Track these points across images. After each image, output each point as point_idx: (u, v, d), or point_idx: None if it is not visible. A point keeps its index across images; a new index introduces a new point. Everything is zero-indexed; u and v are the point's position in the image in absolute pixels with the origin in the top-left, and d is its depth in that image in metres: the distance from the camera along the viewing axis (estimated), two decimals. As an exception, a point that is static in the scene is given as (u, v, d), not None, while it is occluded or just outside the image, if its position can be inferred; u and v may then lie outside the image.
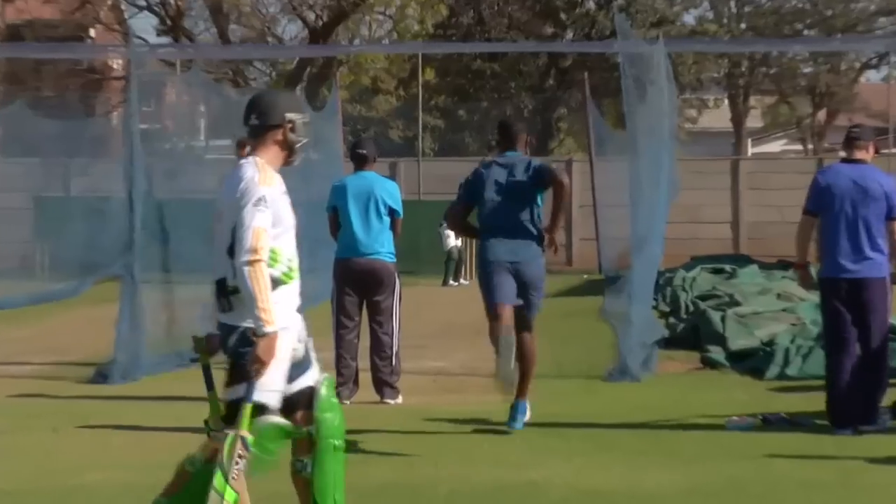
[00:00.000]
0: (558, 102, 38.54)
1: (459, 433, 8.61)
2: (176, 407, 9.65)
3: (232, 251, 5.20)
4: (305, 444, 5.38)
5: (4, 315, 16.80)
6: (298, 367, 5.36)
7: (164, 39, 35.63)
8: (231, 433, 5.16)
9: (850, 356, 8.42)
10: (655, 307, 14.99)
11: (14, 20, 33.30)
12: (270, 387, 5.22)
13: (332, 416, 5.36)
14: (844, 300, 8.43)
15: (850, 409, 8.36)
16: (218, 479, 5.11)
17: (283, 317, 5.22)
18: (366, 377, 9.83)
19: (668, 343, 12.72)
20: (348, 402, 9.41)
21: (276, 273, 5.24)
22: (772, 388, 10.41)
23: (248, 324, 5.16)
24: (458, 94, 38.80)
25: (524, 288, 8.35)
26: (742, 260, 20.96)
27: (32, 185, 24.13)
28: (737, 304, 13.98)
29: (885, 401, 8.60)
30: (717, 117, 48.17)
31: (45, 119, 23.26)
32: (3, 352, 12.95)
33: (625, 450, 8.00)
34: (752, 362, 11.39)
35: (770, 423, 8.73)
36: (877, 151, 8.77)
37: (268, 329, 5.09)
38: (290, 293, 5.34)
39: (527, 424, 8.58)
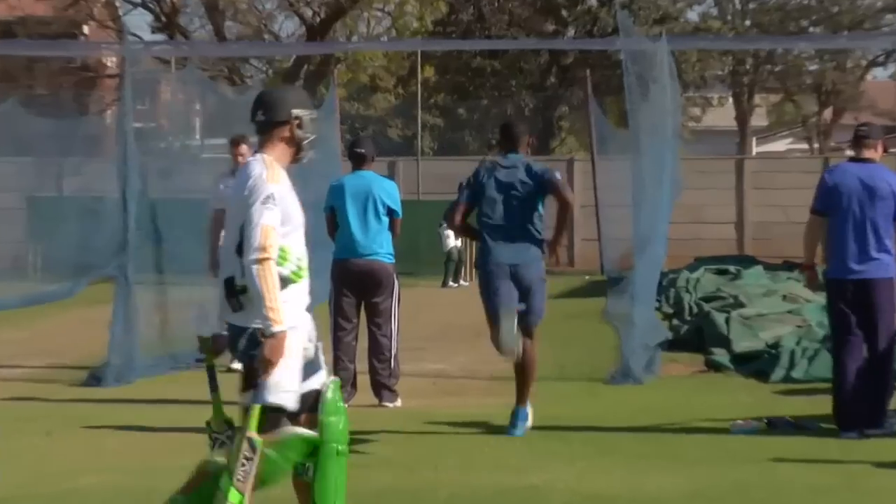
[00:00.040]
0: (560, 101, 38.54)
1: (459, 437, 8.62)
2: (171, 410, 9.67)
3: (240, 250, 5.20)
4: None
5: (-4, 317, 16.79)
6: (307, 369, 5.37)
7: (159, 36, 35.63)
8: (239, 436, 5.15)
9: (857, 358, 8.43)
10: (658, 309, 14.98)
11: (6, 17, 33.27)
12: (284, 387, 5.22)
13: (336, 420, 5.36)
14: (851, 301, 8.44)
15: (856, 412, 8.37)
16: (224, 481, 5.11)
17: (293, 316, 5.22)
18: (364, 380, 9.84)
19: (672, 345, 12.72)
20: (346, 406, 9.41)
21: (285, 272, 5.24)
22: (777, 391, 10.42)
23: (257, 324, 5.15)
24: (457, 92, 38.80)
25: (524, 291, 8.42)
26: (746, 261, 20.93)
27: (25, 185, 24.12)
28: (741, 305, 13.97)
29: (893, 404, 8.61)
30: (721, 116, 48.17)
31: (38, 118, 23.23)
32: (-4, 354, 12.96)
33: (627, 453, 8.01)
34: (756, 365, 11.40)
35: (775, 426, 8.74)
36: (885, 150, 8.77)
37: (276, 328, 5.10)
38: (300, 292, 5.34)
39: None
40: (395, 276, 9.85)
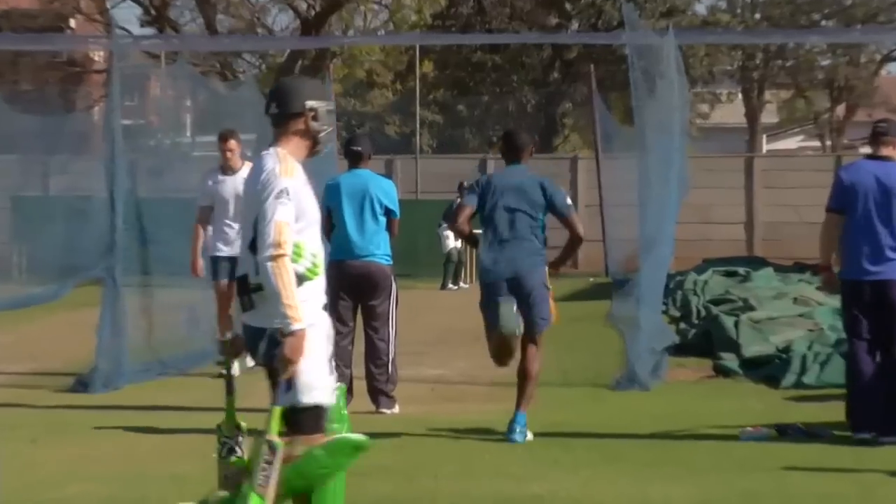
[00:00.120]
0: (563, 97, 38.56)
1: (459, 444, 8.62)
2: (160, 416, 9.68)
3: (254, 247, 5.21)
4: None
5: (-20, 320, 16.80)
6: None
7: (148, 30, 35.67)
8: (259, 439, 5.15)
9: (872, 361, 8.46)
10: (665, 312, 15.00)
11: (-10, 10, 33.33)
12: (317, 384, 5.23)
13: (339, 428, 5.38)
14: (866, 303, 8.46)
15: (870, 412, 8.38)
16: (245, 486, 5.12)
17: (311, 314, 5.22)
18: (360, 385, 9.84)
19: (679, 350, 12.73)
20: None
21: (301, 269, 5.23)
22: (788, 397, 10.43)
23: (277, 324, 5.14)
24: (457, 88, 38.82)
25: (525, 297, 8.55)
26: (756, 262, 20.96)
27: (9, 184, 24.10)
28: (751, 308, 13.99)
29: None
30: (731, 112, 48.22)
31: (23, 114, 23.21)
32: (-21, 359, 12.96)
33: (633, 461, 8.02)
34: (767, 370, 11.41)
35: (786, 433, 8.74)
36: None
37: (295, 326, 5.09)
38: (316, 290, 5.34)
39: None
40: (392, 278, 9.86)
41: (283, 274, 5.10)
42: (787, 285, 16.66)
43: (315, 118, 5.40)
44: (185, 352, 12.60)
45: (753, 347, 11.97)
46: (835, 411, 8.91)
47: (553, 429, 8.90)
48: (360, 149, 10.00)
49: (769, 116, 50.55)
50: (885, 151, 8.62)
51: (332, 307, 9.76)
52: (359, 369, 9.90)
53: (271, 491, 5.12)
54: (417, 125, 30.09)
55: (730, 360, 11.85)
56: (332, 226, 9.82)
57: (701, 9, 42.38)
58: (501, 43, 35.99)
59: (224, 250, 11.71)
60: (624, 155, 20.30)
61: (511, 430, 8.56)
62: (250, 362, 11.88)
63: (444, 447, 8.54)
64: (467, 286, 23.00)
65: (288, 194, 5.20)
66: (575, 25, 37.78)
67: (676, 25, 24.93)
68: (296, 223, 5.22)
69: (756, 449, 8.35)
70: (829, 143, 47.26)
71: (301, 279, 5.22)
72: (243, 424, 5.38)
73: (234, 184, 11.72)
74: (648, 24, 28.12)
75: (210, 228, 11.81)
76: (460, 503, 6.97)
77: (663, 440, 8.73)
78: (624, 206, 18.66)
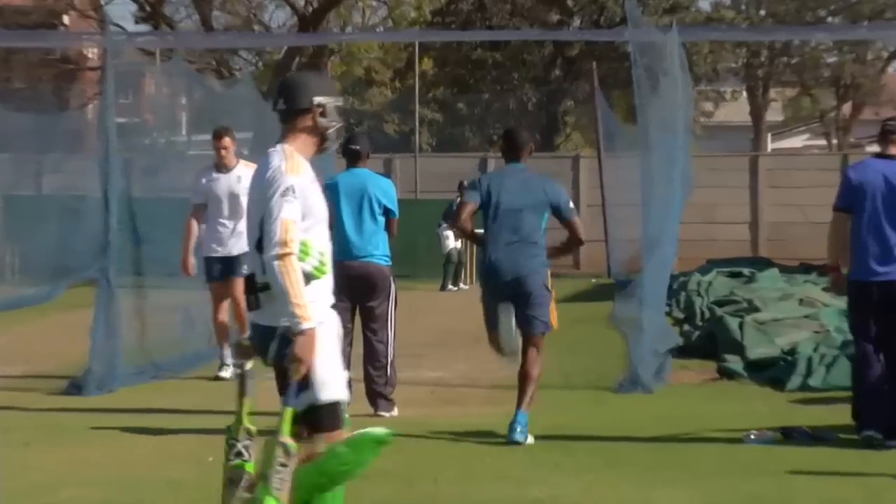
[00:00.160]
0: (564, 94, 38.56)
1: (459, 447, 8.63)
2: (154, 420, 9.67)
3: (261, 246, 5.21)
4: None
5: (-28, 322, 16.80)
6: None
7: (143, 27, 35.69)
8: (272, 440, 5.15)
9: (878, 363, 8.47)
10: (669, 313, 15.00)
11: (-18, 6, 33.32)
12: (333, 381, 5.25)
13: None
14: (874, 304, 8.47)
15: (877, 412, 8.39)
16: (260, 489, 5.12)
17: (319, 313, 5.23)
18: (359, 388, 9.83)
19: (682, 352, 12.73)
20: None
21: (307, 267, 5.23)
22: (793, 400, 10.43)
23: (284, 322, 5.15)
24: (457, 86, 38.81)
25: (525, 298, 8.62)
26: (761, 263, 20.97)
27: (2, 183, 24.09)
28: (756, 310, 13.99)
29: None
30: (735, 110, 48.23)
31: (16, 112, 23.25)
32: (-29, 361, 12.96)
33: (635, 465, 8.02)
34: (772, 372, 11.41)
35: (791, 437, 8.75)
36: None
37: (305, 325, 5.09)
38: (324, 288, 5.35)
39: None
40: (391, 279, 9.86)
41: (290, 273, 5.10)
42: (793, 286, 16.67)
43: (323, 114, 5.40)
44: (180, 354, 12.61)
45: (758, 349, 11.98)
46: (841, 414, 8.91)
47: (554, 432, 8.90)
48: (358, 147, 10.00)
49: (774, 115, 50.55)
50: (894, 150, 8.62)
51: (330, 308, 9.82)
52: (357, 372, 9.88)
53: (286, 494, 5.14)
54: (417, 123, 30.09)
55: (734, 362, 11.85)
56: (329, 226, 9.83)
57: (705, 5, 42.53)
58: (502, 40, 35.98)
59: (218, 251, 11.71)
60: (626, 154, 20.32)
61: (512, 429, 8.57)
62: (225, 374, 11.82)
63: (444, 450, 8.54)
64: (467, 287, 22.99)
65: (294, 192, 5.20)
66: (577, 22, 37.77)
67: (680, 22, 24.91)
68: (302, 221, 5.22)
69: (761, 452, 8.35)
70: (835, 141, 47.28)
71: (308, 278, 5.22)
72: (253, 428, 5.39)
73: (228, 182, 11.73)
74: (651, 20, 28.18)
75: (203, 228, 11.81)
76: (460, 508, 6.98)
77: (666, 443, 8.73)
78: (626, 206, 18.68)
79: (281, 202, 5.17)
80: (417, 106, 30.32)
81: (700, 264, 20.68)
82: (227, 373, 11.62)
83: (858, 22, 39.30)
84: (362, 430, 5.31)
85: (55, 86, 34.16)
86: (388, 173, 24.86)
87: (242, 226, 11.68)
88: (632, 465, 8.04)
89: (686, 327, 14.64)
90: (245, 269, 11.59)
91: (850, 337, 9.43)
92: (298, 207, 5.21)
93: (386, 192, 9.92)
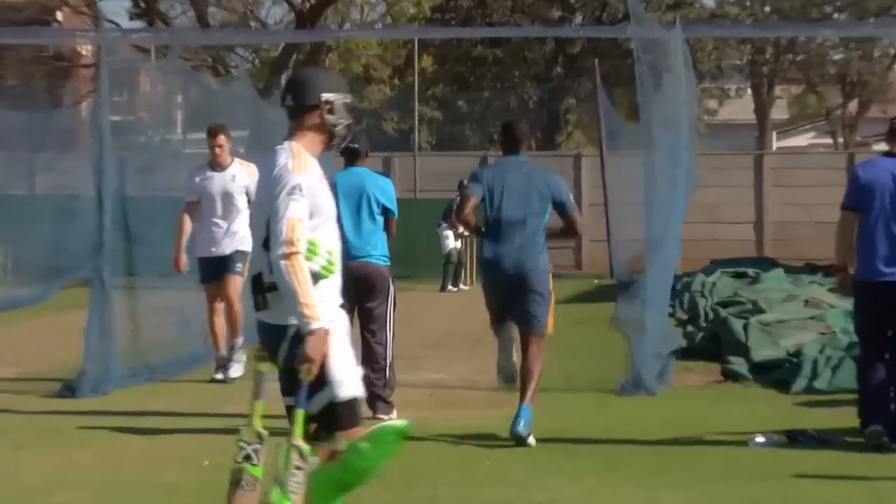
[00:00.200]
0: (566, 92, 38.58)
1: (459, 451, 8.63)
2: (149, 422, 9.68)
3: (267, 245, 5.22)
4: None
5: (-36, 323, 16.81)
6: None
7: (138, 24, 35.68)
8: (285, 443, 5.17)
9: (883, 365, 8.48)
10: (672, 314, 15.01)
11: (-26, 3, 33.35)
12: (348, 378, 5.27)
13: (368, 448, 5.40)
14: (880, 305, 8.48)
15: (882, 409, 8.41)
16: (275, 494, 5.13)
17: (329, 313, 5.24)
18: (357, 390, 9.84)
19: (686, 353, 12.73)
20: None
21: (315, 267, 5.24)
22: (798, 403, 10.43)
23: (292, 321, 5.16)
24: (457, 83, 38.84)
25: (525, 299, 8.73)
26: (766, 263, 20.99)
27: (-6, 182, 24.14)
28: (760, 311, 14.00)
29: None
30: (740, 108, 48.22)
31: (8, 110, 23.28)
32: (-37, 363, 12.96)
33: (638, 469, 8.02)
34: (777, 374, 11.41)
35: (796, 440, 8.75)
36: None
37: (314, 325, 5.10)
38: (332, 288, 5.36)
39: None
40: (390, 279, 9.86)
41: (298, 272, 5.11)
42: (798, 287, 16.67)
43: (331, 111, 5.42)
44: (175, 356, 12.61)
45: (763, 351, 11.98)
46: (847, 417, 8.92)
47: (556, 435, 8.90)
48: (356, 146, 9.99)
49: (779, 112, 50.56)
50: (902, 149, 8.63)
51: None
52: (355, 374, 9.89)
53: (301, 498, 5.17)
54: (416, 122, 30.10)
55: (739, 364, 11.85)
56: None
57: (709, 1, 42.37)
58: (503, 37, 36.01)
59: (211, 251, 11.70)
60: (629, 152, 20.32)
61: (516, 423, 8.62)
62: (239, 371, 11.85)
63: (444, 454, 8.55)
64: (467, 288, 23.01)
65: (301, 190, 5.20)
66: (579, 18, 37.79)
67: (684, 18, 24.85)
68: (310, 220, 5.23)
69: (765, 456, 8.35)
70: (841, 140, 47.27)
71: (316, 277, 5.23)
72: (264, 432, 5.39)
73: (222, 181, 11.73)
74: (655, 17, 28.17)
75: (196, 227, 11.79)
76: (460, 512, 6.98)
77: (670, 447, 8.73)
78: (629, 206, 18.70)
79: (287, 200, 5.17)
80: (417, 104, 30.33)
81: (704, 265, 20.69)
82: (222, 374, 11.63)
83: (865, 18, 39.27)
84: (381, 424, 5.35)
85: (48, 83, 34.19)
86: (386, 172, 24.88)
87: (236, 226, 11.69)
88: (634, 468, 8.04)
89: (689, 329, 14.65)
90: (238, 268, 11.64)
91: (856, 339, 9.43)
92: (306, 206, 5.21)
93: (385, 191, 9.92)
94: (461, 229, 22.72)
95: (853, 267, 8.74)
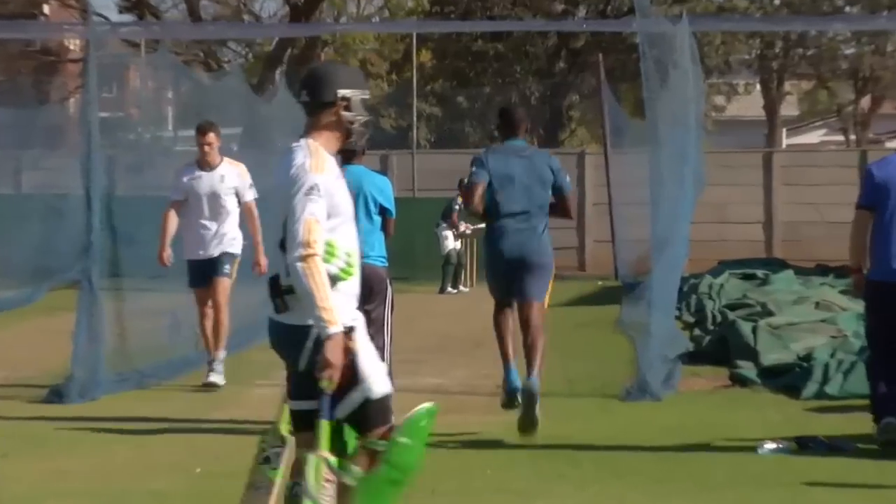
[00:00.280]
0: (569, 88, 38.58)
1: (458, 458, 8.63)
2: (139, 429, 9.68)
3: (284, 246, 5.23)
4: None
5: (-52, 326, 16.80)
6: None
7: (127, 17, 35.68)
8: (313, 456, 5.19)
9: (894, 367, 8.50)
10: (678, 317, 15.00)
11: (-43, -5, 33.36)
12: (378, 376, 5.35)
13: (411, 444, 5.45)
14: (893, 306, 8.48)
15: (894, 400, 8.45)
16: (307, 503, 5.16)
17: (348, 316, 5.27)
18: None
19: (693, 357, 12.74)
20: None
21: (333, 269, 5.26)
22: (809, 408, 10.44)
23: (309, 322, 5.17)
24: (457, 79, 38.84)
25: (529, 272, 9.14)
26: (775, 264, 20.99)
27: (-21, 181, 24.17)
28: (770, 313, 14.00)
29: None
30: (748, 104, 48.22)
31: (-7, 106, 23.28)
32: (-53, 367, 12.96)
33: (643, 476, 8.02)
34: (786, 379, 11.41)
35: (807, 447, 8.75)
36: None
37: (332, 330, 5.11)
38: (351, 291, 5.38)
39: (534, 448, 8.64)
40: (388, 281, 9.86)
41: (315, 275, 5.12)
42: (809, 289, 16.67)
43: (348, 108, 5.44)
44: (166, 360, 12.60)
45: (772, 355, 11.98)
46: (859, 423, 8.92)
47: (558, 441, 8.91)
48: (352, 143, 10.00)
49: (789, 109, 50.57)
50: (918, 146, 8.66)
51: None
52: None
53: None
54: (414, 118, 30.09)
55: (747, 368, 11.85)
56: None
57: (716, -6, 42.32)
58: (504, 30, 35.97)
59: (199, 254, 11.66)
60: (634, 150, 20.34)
61: (524, 383, 8.95)
62: (222, 380, 11.80)
63: (443, 461, 8.54)
64: (467, 290, 23.01)
65: (318, 191, 5.22)
66: (582, 12, 37.79)
67: (690, 12, 24.89)
68: (328, 220, 5.24)
69: (775, 463, 8.36)
70: (853, 137, 47.28)
71: (334, 280, 5.25)
72: (288, 437, 5.41)
73: (210, 181, 11.67)
74: (660, 10, 28.10)
75: (182, 227, 11.73)
76: (460, 521, 6.99)
77: (676, 454, 8.73)
78: (634, 205, 18.70)
79: (305, 201, 5.18)
80: (415, 100, 30.31)
81: (711, 266, 20.70)
82: (216, 377, 11.57)
83: (878, 12, 39.24)
84: (410, 414, 5.45)
85: (35, 78, 34.18)
86: (384, 170, 24.88)
87: (225, 227, 11.66)
88: (639, 476, 8.04)
89: (697, 332, 14.65)
90: (226, 270, 11.62)
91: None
92: (324, 206, 5.23)
93: (382, 190, 9.91)
94: (461, 229, 22.78)
95: (868, 267, 8.76)
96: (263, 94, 22.97)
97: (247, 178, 11.77)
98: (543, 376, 9.14)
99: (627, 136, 24.12)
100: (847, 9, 41.99)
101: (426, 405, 5.52)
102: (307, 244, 5.13)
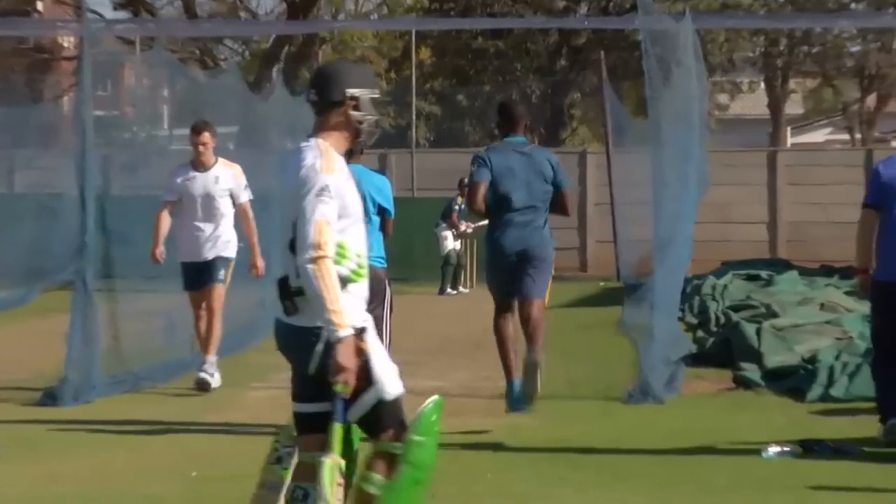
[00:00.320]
0: (571, 86, 38.58)
1: (458, 461, 8.62)
2: (134, 432, 9.68)
3: (294, 247, 5.24)
4: (309, 468, 5.35)
5: (-60, 328, 16.81)
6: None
7: (122, 14, 35.66)
8: (328, 460, 5.20)
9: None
10: (681, 319, 15.01)
11: (-50, -8, 33.34)
12: (390, 377, 5.41)
13: (426, 442, 5.50)
14: (898, 307, 8.52)
15: None
16: None
17: (359, 317, 5.30)
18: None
19: (696, 360, 12.74)
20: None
21: (344, 271, 5.27)
22: (814, 411, 10.44)
23: (319, 323, 5.19)
24: (456, 77, 38.84)
25: (530, 266, 9.29)
26: (780, 265, 21.01)
27: (-29, 180, 24.17)
28: (774, 315, 14.00)
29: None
30: (752, 103, 48.23)
31: (-14, 105, 23.28)
32: (-61, 370, 12.96)
33: (646, 480, 8.03)
34: (791, 382, 11.42)
35: (811, 450, 8.75)
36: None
37: (342, 333, 5.13)
38: (361, 293, 5.42)
39: (535, 451, 8.66)
40: (386, 282, 9.85)
41: (325, 277, 5.13)
42: (814, 290, 16.68)
43: (357, 108, 5.45)
44: (161, 362, 12.60)
45: (777, 357, 11.99)
46: (864, 426, 8.93)
47: (559, 445, 8.91)
48: (350, 142, 10.03)
49: (794, 107, 50.58)
50: (924, 144, 8.68)
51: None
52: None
53: None
54: (413, 117, 30.10)
55: (751, 370, 11.86)
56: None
57: (720, -10, 42.32)
58: (504, 28, 35.97)
59: (193, 257, 11.64)
60: (637, 149, 20.33)
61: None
62: (218, 382, 11.81)
63: (442, 465, 8.49)
64: (467, 291, 23.01)
65: (329, 192, 5.24)
66: (584, 9, 37.76)
67: (694, 9, 24.93)
68: (338, 221, 5.26)
69: (779, 467, 8.36)
70: (858, 136, 47.26)
71: (345, 282, 5.26)
72: (298, 439, 5.43)
73: (204, 182, 11.63)
74: (663, 7, 28.14)
75: (177, 229, 11.72)
76: (459, 525, 6.99)
77: (679, 457, 8.74)
78: (637, 205, 18.70)
79: (316, 202, 5.20)
80: (414, 98, 30.33)
81: (715, 266, 20.71)
82: (211, 378, 11.56)
83: (884, 8, 39.25)
84: (419, 412, 5.51)
85: (28, 76, 34.21)
86: (383, 170, 24.89)
87: (219, 230, 11.62)
88: (642, 480, 8.04)
89: (700, 334, 14.65)
90: (220, 275, 11.60)
91: (874, 344, 9.45)
92: (335, 208, 5.24)
93: (381, 189, 9.91)
94: (462, 228, 22.78)
95: (874, 268, 8.77)
96: (260, 92, 22.98)
97: (242, 180, 11.75)
98: (544, 377, 9.22)
99: (630, 135, 24.13)
100: (852, 5, 42.00)
101: (432, 399, 5.58)
102: (318, 246, 5.14)
